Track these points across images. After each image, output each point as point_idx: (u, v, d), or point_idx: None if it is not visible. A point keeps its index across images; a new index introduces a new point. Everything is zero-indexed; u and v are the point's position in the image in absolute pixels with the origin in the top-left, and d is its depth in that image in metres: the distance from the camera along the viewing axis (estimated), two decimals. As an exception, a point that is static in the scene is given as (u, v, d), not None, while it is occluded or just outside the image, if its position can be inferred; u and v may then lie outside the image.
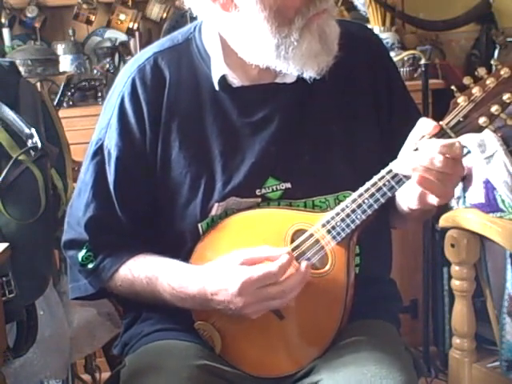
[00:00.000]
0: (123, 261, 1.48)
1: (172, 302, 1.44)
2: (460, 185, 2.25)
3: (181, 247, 1.48)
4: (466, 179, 2.23)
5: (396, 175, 1.34)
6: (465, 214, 2.24)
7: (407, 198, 1.37)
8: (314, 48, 1.37)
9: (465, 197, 2.25)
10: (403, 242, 2.73)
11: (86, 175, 1.51)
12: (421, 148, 1.29)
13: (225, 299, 1.36)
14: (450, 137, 1.30)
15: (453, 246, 2.29)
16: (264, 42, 1.37)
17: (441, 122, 1.32)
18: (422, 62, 2.73)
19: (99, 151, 1.50)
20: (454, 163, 1.28)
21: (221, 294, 1.36)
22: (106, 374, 1.65)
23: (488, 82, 1.29)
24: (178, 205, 1.47)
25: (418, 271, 2.82)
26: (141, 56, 1.51)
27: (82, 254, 1.49)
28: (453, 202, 2.28)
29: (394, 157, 1.35)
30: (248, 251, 1.38)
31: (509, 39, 3.15)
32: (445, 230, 2.33)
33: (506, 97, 1.29)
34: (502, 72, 1.29)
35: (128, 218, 1.49)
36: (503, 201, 2.14)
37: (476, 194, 2.21)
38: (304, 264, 1.37)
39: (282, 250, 1.38)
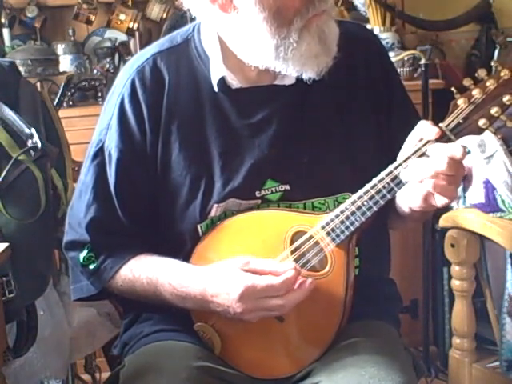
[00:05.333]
0: (124, 261, 1.48)
1: (172, 302, 1.44)
2: (460, 185, 2.25)
3: (180, 248, 1.48)
4: (466, 179, 2.23)
5: (395, 177, 1.34)
6: (465, 214, 2.24)
7: (410, 200, 1.36)
8: (314, 49, 1.36)
9: (465, 197, 2.26)
10: (403, 242, 2.73)
11: (86, 176, 1.51)
12: (430, 154, 1.29)
13: (224, 303, 1.36)
14: (450, 139, 1.31)
15: (453, 245, 2.29)
16: (263, 43, 1.37)
17: (440, 124, 1.32)
18: (422, 62, 2.73)
19: (99, 152, 1.50)
20: (460, 165, 1.29)
21: (221, 297, 1.36)
22: (105, 374, 1.65)
23: (488, 83, 1.29)
24: (178, 206, 1.47)
25: (418, 271, 2.82)
26: (140, 57, 1.51)
27: (83, 254, 1.49)
28: (453, 202, 2.28)
29: (393, 158, 1.35)
30: (254, 260, 1.38)
31: (509, 39, 3.15)
32: (445, 230, 2.33)
33: (506, 99, 1.28)
34: (502, 74, 1.29)
35: (129, 218, 1.49)
36: (503, 201, 2.14)
37: (476, 194, 2.21)
38: (309, 282, 1.36)
39: (288, 265, 1.38)
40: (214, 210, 1.45)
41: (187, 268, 1.43)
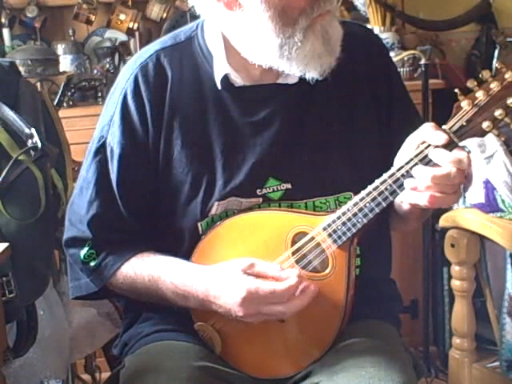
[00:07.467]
0: (126, 258, 1.47)
1: (174, 301, 1.44)
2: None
3: (179, 246, 1.47)
4: (466, 179, 2.23)
5: (398, 179, 1.34)
6: (465, 214, 2.24)
7: (411, 196, 1.36)
8: (318, 49, 1.36)
9: (465, 197, 2.25)
10: (403, 242, 2.73)
11: (88, 173, 1.50)
12: (434, 160, 1.30)
13: (226, 305, 1.36)
14: (454, 141, 1.30)
15: (453, 245, 2.29)
16: (267, 42, 1.36)
17: (444, 127, 1.31)
18: (422, 62, 2.73)
19: (101, 148, 1.49)
20: (462, 173, 1.30)
21: (223, 299, 1.36)
22: (105, 374, 1.66)
23: (492, 85, 1.29)
24: (179, 203, 1.46)
25: (418, 271, 2.82)
26: (143, 53, 1.51)
27: (84, 251, 1.48)
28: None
29: (394, 156, 1.35)
30: (258, 263, 1.37)
31: (509, 39, 3.15)
32: (445, 230, 2.33)
33: (510, 101, 1.28)
34: (506, 76, 1.28)
35: (130, 215, 1.48)
36: (503, 201, 2.14)
37: (476, 194, 2.21)
38: (311, 289, 1.36)
39: (292, 271, 1.37)
40: (215, 208, 1.44)
41: (190, 267, 1.43)
